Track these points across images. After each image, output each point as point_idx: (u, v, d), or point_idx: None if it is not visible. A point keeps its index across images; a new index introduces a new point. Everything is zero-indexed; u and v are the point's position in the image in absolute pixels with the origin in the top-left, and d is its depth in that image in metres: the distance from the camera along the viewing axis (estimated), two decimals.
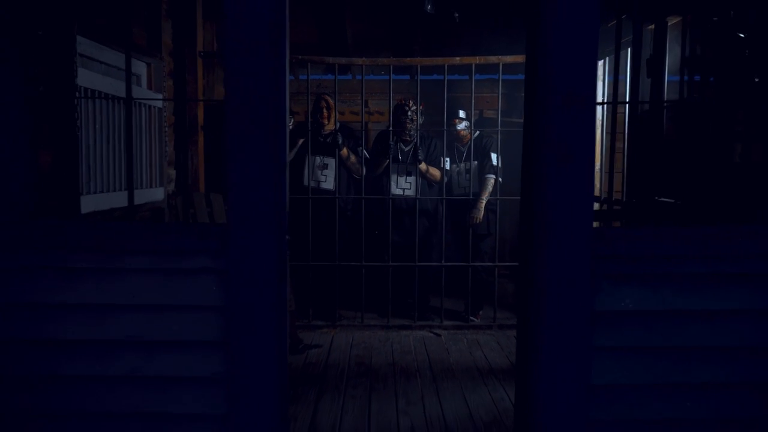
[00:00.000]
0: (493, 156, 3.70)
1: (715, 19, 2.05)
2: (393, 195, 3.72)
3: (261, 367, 1.72)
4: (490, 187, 3.72)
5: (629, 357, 1.76)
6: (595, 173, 3.74)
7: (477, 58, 3.51)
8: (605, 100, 3.65)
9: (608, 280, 1.75)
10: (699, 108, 2.35)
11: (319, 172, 3.71)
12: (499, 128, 3.61)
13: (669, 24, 2.31)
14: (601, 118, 3.68)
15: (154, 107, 3.20)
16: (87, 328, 1.76)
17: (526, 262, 1.88)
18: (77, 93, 2.16)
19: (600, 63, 3.78)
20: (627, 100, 2.49)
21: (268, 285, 1.70)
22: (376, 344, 3.47)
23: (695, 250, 1.75)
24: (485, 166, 3.74)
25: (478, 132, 3.85)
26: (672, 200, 2.50)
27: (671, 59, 2.63)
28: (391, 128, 3.72)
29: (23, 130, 1.77)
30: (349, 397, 2.68)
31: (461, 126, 3.79)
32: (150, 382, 1.77)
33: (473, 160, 3.79)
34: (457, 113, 3.81)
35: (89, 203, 2.56)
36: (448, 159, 3.77)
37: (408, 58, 3.92)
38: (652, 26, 2.81)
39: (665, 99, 2.39)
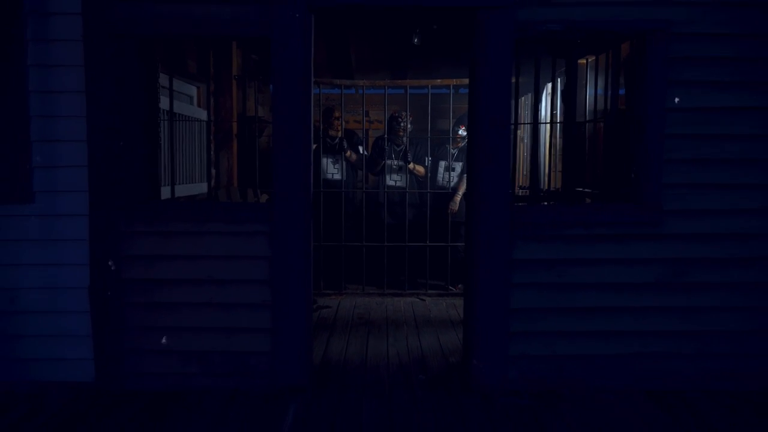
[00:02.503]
0: None
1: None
2: (387, 186, 4.65)
3: (294, 295, 2.65)
4: (465, 184, 4.64)
5: (534, 290, 2.67)
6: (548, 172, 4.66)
7: (454, 80, 4.43)
8: (549, 119, 4.56)
9: (521, 239, 2.66)
10: (604, 123, 3.24)
11: (332, 167, 4.66)
12: None
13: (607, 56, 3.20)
14: (549, 132, 4.59)
15: (203, 121, 4.14)
16: (179, 271, 2.69)
17: (469, 230, 2.80)
18: (160, 115, 3.07)
19: (549, 85, 4.69)
20: (552, 120, 3.40)
21: (298, 241, 2.63)
22: (374, 306, 4.39)
23: (578, 219, 2.66)
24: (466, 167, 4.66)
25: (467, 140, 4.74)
26: (589, 189, 3.41)
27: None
28: (386, 135, 4.64)
29: (141, 146, 2.70)
30: (352, 337, 3.60)
31: (461, 131, 4.66)
32: (221, 307, 2.70)
33: (460, 161, 4.70)
34: (464, 122, 4.66)
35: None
36: (430, 158, 4.69)
37: (400, 80, 4.85)
38: (589, 59, 3.71)
39: (576, 119, 3.30)
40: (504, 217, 2.64)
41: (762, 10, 2.58)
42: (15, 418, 2.48)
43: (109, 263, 2.66)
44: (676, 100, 2.61)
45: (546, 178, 5.04)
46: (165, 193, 3.42)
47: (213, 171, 4.45)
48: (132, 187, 2.69)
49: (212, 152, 4.37)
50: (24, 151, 2.65)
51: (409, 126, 4.70)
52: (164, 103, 3.50)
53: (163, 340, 2.71)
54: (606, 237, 2.67)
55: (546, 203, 3.47)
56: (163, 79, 3.46)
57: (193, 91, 4.05)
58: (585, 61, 3.56)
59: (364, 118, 4.70)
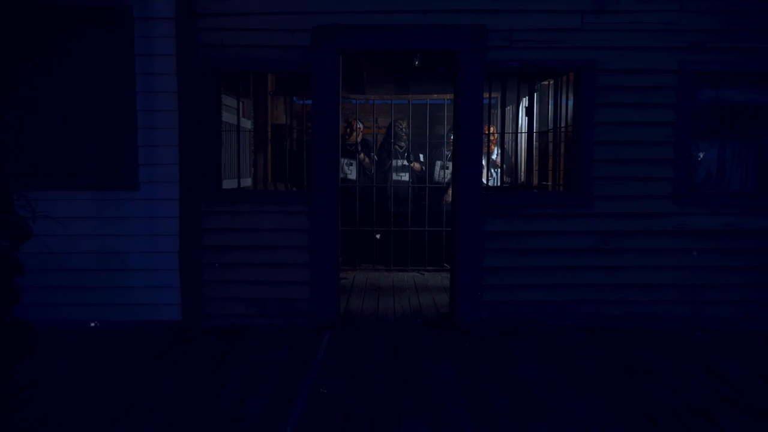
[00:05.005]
0: None
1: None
2: (393, 181, 5.69)
3: (326, 257, 3.68)
4: None
5: (500, 253, 3.69)
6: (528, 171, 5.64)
7: (448, 95, 5.45)
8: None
9: (490, 217, 3.68)
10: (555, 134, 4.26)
11: (346, 168, 5.70)
12: None
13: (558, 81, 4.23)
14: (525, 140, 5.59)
15: (248, 129, 5.18)
16: (243, 239, 3.72)
17: (453, 211, 3.82)
18: (222, 126, 4.09)
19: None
20: (520, 132, 4.40)
21: (329, 218, 3.66)
22: (383, 278, 5.42)
23: (531, 202, 3.67)
24: None
25: None
26: (550, 183, 4.43)
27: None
28: (392, 140, 5.68)
29: (214, 149, 3.73)
30: (366, 297, 4.63)
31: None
32: (274, 265, 3.72)
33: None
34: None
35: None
36: (421, 155, 5.72)
37: (403, 95, 5.89)
38: (547, 82, 4.71)
39: (535, 130, 4.31)
40: (477, 201, 3.66)
41: (660, 51, 3.58)
42: (127, 342, 3.52)
43: (193, 234, 3.69)
44: (601, 116, 3.63)
45: (523, 175, 6.05)
46: (225, 184, 4.45)
47: (252, 169, 5.49)
48: (208, 179, 3.72)
49: (252, 153, 5.41)
50: (133, 153, 3.69)
51: (408, 132, 5.74)
52: (225, 116, 4.54)
53: (231, 290, 3.74)
54: (552, 215, 3.68)
55: (509, 191, 4.49)
56: (225, 98, 4.50)
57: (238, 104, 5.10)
58: (548, 83, 4.56)
59: (375, 124, 5.75)
